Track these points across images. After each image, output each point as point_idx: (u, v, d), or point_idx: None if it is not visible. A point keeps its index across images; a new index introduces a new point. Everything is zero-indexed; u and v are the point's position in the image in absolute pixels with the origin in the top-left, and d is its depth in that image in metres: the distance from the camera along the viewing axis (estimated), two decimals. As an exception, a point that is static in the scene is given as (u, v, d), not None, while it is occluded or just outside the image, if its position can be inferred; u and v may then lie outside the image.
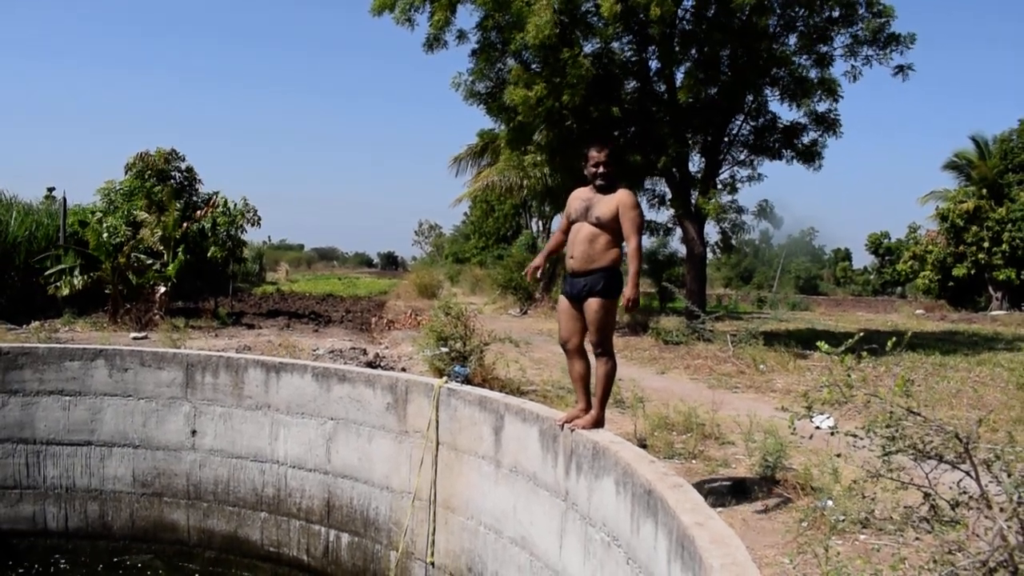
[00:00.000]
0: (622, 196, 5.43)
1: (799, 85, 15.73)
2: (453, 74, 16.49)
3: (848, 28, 15.39)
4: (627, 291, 5.33)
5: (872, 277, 51.13)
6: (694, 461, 6.55)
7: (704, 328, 13.87)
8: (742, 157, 17.34)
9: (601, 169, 5.51)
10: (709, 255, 18.47)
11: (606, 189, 5.51)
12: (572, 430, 5.55)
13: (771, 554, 4.56)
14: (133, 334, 12.72)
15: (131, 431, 9.04)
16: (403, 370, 9.93)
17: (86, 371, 9.05)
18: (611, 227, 5.39)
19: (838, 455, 5.57)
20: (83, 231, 15.47)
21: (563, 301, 5.69)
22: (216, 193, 18.12)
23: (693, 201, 16.54)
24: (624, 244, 5.52)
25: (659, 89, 16.69)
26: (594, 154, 5.54)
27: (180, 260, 15.06)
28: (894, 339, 4.19)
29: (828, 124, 16.44)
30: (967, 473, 3.46)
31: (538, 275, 6.07)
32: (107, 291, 14.69)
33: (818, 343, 4.00)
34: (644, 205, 18.55)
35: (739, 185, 17.19)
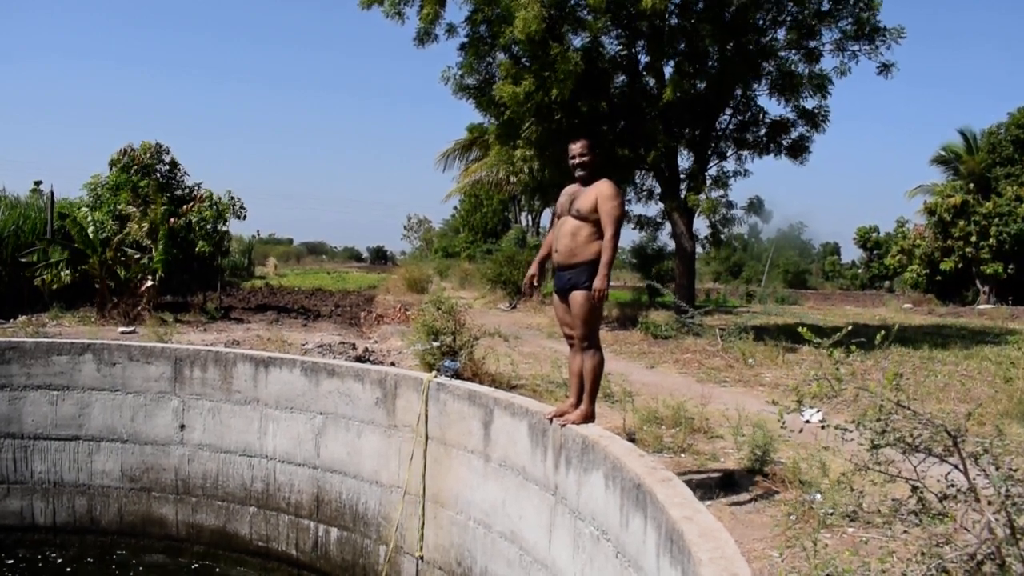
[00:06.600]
0: (601, 186, 5.44)
1: (787, 80, 15.77)
2: (443, 68, 16.47)
3: (836, 23, 15.41)
4: (596, 282, 5.33)
5: (860, 271, 51.23)
6: (683, 455, 6.56)
7: (693, 322, 13.90)
8: (730, 152, 17.40)
9: (577, 160, 5.57)
10: (698, 249, 18.51)
11: (587, 181, 5.55)
12: (562, 425, 5.55)
13: (760, 547, 4.57)
14: (121, 328, 12.67)
15: (119, 426, 9.00)
16: (392, 364, 9.91)
17: (74, 365, 9.00)
18: (592, 219, 5.39)
19: (826, 448, 5.60)
20: (65, 223, 15.38)
21: (556, 297, 5.71)
22: (199, 184, 18.06)
23: (682, 196, 16.57)
24: None
25: (648, 84, 16.70)
26: (572, 147, 5.63)
27: (161, 252, 15.00)
28: (883, 333, 4.21)
29: (814, 121, 16.49)
30: (955, 466, 3.48)
31: (534, 283, 6.07)
32: (95, 285, 14.62)
33: (800, 329, 4.01)
34: (633, 200, 18.58)
35: (730, 181, 17.24)
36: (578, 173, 5.58)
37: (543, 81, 14.08)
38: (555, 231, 5.69)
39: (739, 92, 16.44)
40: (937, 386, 9.52)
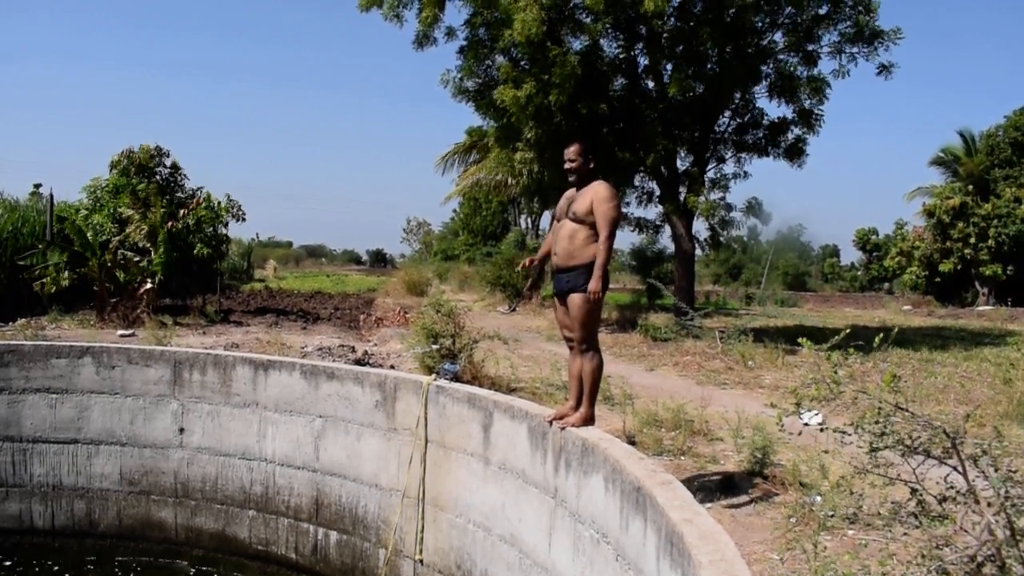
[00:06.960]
0: (596, 188, 5.48)
1: (786, 82, 15.76)
2: (442, 71, 16.45)
3: (834, 25, 15.40)
4: (591, 284, 5.34)
5: (859, 273, 51.29)
6: (683, 458, 6.55)
7: (693, 325, 13.87)
8: (729, 154, 17.39)
9: (567, 165, 5.64)
10: (698, 252, 18.49)
11: (580, 184, 5.60)
12: (562, 427, 5.55)
13: (760, 550, 4.57)
14: (120, 331, 12.66)
15: (118, 429, 8.99)
16: (392, 367, 9.90)
17: (73, 369, 9.00)
18: (589, 221, 5.42)
19: (826, 451, 5.59)
20: (64, 226, 15.39)
21: (555, 299, 5.74)
22: (199, 188, 18.07)
23: (681, 198, 16.56)
24: None
25: (647, 86, 16.70)
26: (565, 152, 5.69)
27: (161, 255, 14.99)
28: (881, 335, 4.21)
29: (808, 123, 16.45)
30: (954, 468, 3.47)
31: (536, 260, 6.12)
32: (94, 288, 14.62)
33: (800, 339, 4.01)
34: (633, 202, 18.58)
35: (729, 183, 17.24)
36: (570, 178, 5.66)
37: (543, 84, 14.07)
38: (554, 234, 5.71)
39: (738, 95, 16.43)
40: (936, 388, 9.51)
